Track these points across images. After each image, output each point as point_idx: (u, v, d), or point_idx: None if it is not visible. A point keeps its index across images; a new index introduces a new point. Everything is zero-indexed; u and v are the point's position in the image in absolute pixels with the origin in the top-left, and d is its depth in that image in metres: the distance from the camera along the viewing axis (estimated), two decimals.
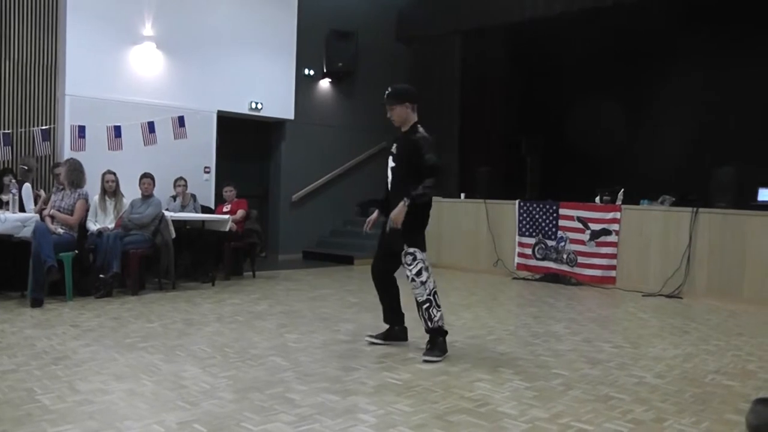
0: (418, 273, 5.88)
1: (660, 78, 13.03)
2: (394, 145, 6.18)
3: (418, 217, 6.00)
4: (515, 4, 12.87)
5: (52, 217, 8.61)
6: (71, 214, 8.65)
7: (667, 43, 12.68)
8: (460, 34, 14.27)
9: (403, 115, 6.09)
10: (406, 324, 6.47)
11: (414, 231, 5.96)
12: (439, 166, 5.92)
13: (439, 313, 5.94)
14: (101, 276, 8.63)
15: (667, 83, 12.90)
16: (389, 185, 6.22)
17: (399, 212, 5.78)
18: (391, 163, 6.17)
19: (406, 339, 6.42)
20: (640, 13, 12.21)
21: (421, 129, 6.04)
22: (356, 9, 14.48)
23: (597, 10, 12.00)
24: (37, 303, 7.82)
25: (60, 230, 8.52)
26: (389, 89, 6.16)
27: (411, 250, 5.90)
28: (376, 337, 6.41)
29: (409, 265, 5.90)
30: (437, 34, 14.45)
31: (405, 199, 5.77)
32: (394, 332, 6.41)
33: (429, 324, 5.93)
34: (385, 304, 6.40)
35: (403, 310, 6.41)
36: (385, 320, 6.45)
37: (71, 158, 9.33)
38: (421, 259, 5.90)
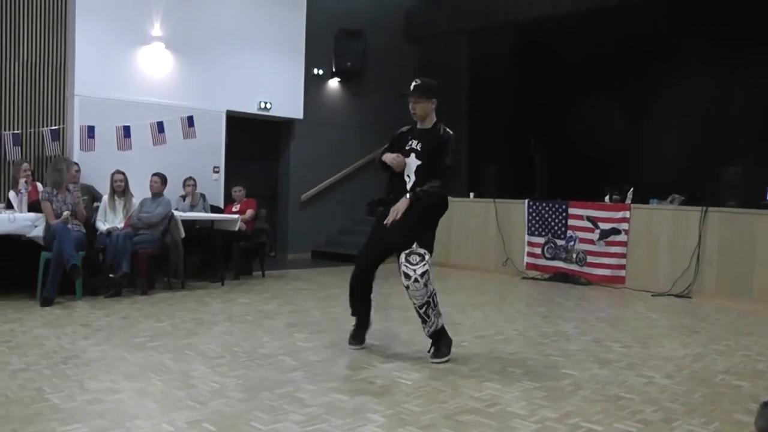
0: (423, 274, 5.71)
1: (668, 77, 13.00)
2: (415, 142, 5.95)
3: (433, 218, 5.97)
4: (523, 3, 12.90)
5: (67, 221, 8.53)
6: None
7: (675, 42, 12.66)
8: (467, 33, 14.31)
9: (427, 111, 5.94)
10: (415, 324, 6.43)
11: (427, 232, 5.89)
12: (454, 170, 5.86)
13: (434, 312, 5.82)
14: (111, 275, 8.65)
15: (675, 82, 12.87)
16: (408, 184, 5.93)
17: (402, 205, 5.66)
18: (414, 161, 5.92)
19: (367, 325, 6.37)
20: (648, 13, 12.23)
21: (445, 128, 5.97)
22: (364, 8, 14.45)
23: (604, 9, 12.00)
24: (47, 302, 7.84)
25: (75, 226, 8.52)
26: (417, 81, 5.98)
27: (421, 251, 5.75)
28: (354, 345, 6.28)
29: (414, 265, 5.71)
30: (445, 33, 14.48)
31: (409, 193, 5.69)
32: (363, 326, 6.34)
33: (426, 327, 5.84)
34: (362, 309, 6.29)
35: (413, 311, 6.37)
36: (355, 314, 6.35)
37: (54, 158, 9.35)
38: (428, 261, 5.79)
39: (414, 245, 5.76)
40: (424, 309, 5.81)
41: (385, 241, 6.01)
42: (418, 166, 5.89)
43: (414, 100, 5.92)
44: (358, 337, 6.32)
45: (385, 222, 5.78)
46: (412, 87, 5.96)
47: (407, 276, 5.75)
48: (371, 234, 6.21)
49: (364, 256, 6.21)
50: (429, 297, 5.80)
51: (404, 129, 6.15)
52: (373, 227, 6.25)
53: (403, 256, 5.77)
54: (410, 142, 5.99)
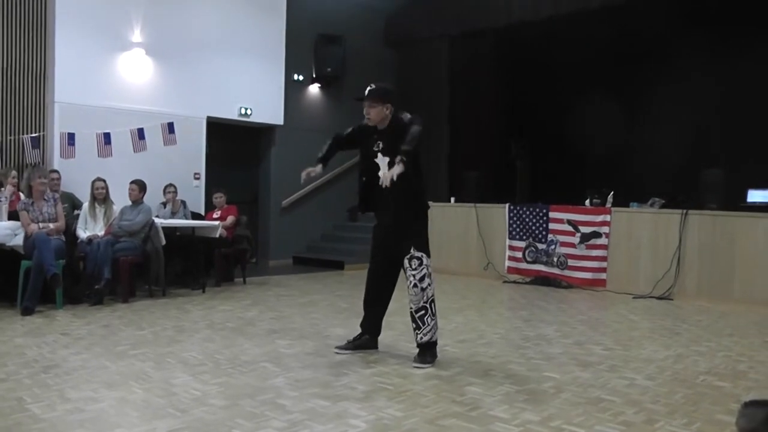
0: (422, 279, 5.80)
1: (648, 81, 13.06)
2: (380, 143, 5.95)
3: (424, 222, 6.01)
4: (502, 8, 12.94)
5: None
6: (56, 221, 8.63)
7: (656, 46, 12.72)
8: (448, 38, 14.33)
9: (382, 116, 5.92)
10: (397, 329, 6.44)
11: (422, 235, 5.93)
12: (421, 129, 5.69)
13: (432, 322, 5.83)
14: (96, 287, 8.58)
15: (655, 86, 12.93)
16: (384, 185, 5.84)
17: (396, 170, 5.43)
18: (383, 159, 5.90)
19: (375, 347, 6.32)
20: (627, 17, 12.26)
21: (406, 113, 5.90)
22: (344, 14, 14.44)
23: (584, 13, 12.05)
24: (28, 311, 7.79)
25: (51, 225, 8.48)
26: (372, 86, 5.99)
27: (418, 254, 5.82)
28: (343, 348, 6.27)
29: (414, 269, 5.80)
30: (425, 39, 14.49)
31: (399, 156, 5.47)
32: (364, 341, 6.30)
33: (419, 333, 5.83)
34: (372, 309, 6.27)
35: (395, 316, 6.38)
36: (363, 326, 6.34)
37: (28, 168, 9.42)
38: (426, 265, 5.84)
39: (412, 249, 5.81)
40: (420, 314, 5.83)
41: (383, 248, 6.07)
42: (389, 163, 5.86)
43: (368, 104, 5.94)
44: (351, 344, 6.32)
45: (381, 184, 5.69)
46: (366, 92, 5.97)
47: (408, 281, 5.86)
48: (372, 245, 6.24)
49: (371, 270, 6.25)
50: (426, 302, 5.83)
51: (369, 123, 6.07)
52: (372, 239, 6.26)
53: (405, 261, 5.85)
54: (376, 144, 6.01)
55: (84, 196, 9.80)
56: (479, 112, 14.82)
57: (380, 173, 5.90)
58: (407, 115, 5.86)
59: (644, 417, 4.54)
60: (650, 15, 12.11)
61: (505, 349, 6.58)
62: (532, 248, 11.50)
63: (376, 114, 5.93)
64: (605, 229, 10.61)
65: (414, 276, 5.81)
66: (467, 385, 5.25)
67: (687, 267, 9.81)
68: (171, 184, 10.84)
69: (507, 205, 11.93)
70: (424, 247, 5.91)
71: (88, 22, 10.80)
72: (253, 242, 11.98)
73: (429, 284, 5.84)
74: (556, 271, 11.17)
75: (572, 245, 10.97)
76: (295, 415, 4.45)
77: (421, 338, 5.85)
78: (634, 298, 9.94)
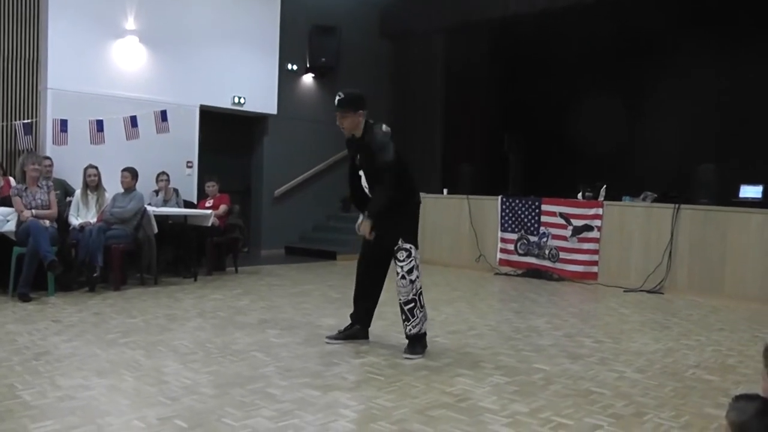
0: (410, 271, 5.79)
1: (644, 76, 13.07)
2: (358, 156, 5.95)
3: (413, 214, 6.01)
4: (498, 1, 12.89)
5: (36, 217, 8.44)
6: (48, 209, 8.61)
7: (653, 41, 12.71)
8: (443, 30, 14.29)
9: (355, 124, 5.84)
10: (388, 319, 6.44)
11: (410, 227, 5.92)
12: (390, 165, 5.69)
13: (421, 314, 5.84)
14: (95, 275, 8.59)
15: (651, 81, 12.93)
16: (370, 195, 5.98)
17: (366, 227, 5.74)
18: (362, 174, 5.99)
19: (366, 338, 6.32)
20: (622, 11, 12.25)
21: (373, 127, 5.82)
22: (339, 4, 14.39)
23: (578, 7, 12.04)
24: (25, 297, 7.82)
25: (46, 222, 8.46)
26: (341, 95, 5.84)
27: (407, 246, 5.81)
28: (334, 338, 6.28)
29: (402, 261, 5.79)
30: (420, 31, 14.45)
31: (366, 212, 5.74)
32: (355, 331, 6.30)
33: (408, 325, 5.84)
34: (361, 304, 6.28)
35: (385, 307, 6.38)
36: (353, 317, 6.35)
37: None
38: (415, 257, 5.83)
39: (399, 241, 5.81)
40: (409, 306, 5.84)
41: (372, 243, 6.03)
42: (366, 177, 5.97)
43: (340, 115, 5.84)
44: (342, 334, 6.33)
45: (362, 235, 5.84)
46: (336, 101, 5.85)
47: (397, 273, 5.85)
48: (362, 240, 6.21)
49: (360, 264, 6.26)
50: (415, 294, 5.83)
51: (345, 134, 6.06)
52: None
53: (394, 253, 5.84)
54: (357, 156, 6.00)
55: (76, 183, 9.79)
56: (474, 105, 14.82)
57: (364, 187, 6.05)
58: (378, 134, 5.78)
59: (633, 410, 4.56)
60: (646, 10, 12.11)
61: (495, 340, 6.59)
62: (524, 241, 11.52)
63: (349, 123, 5.85)
64: (597, 223, 10.63)
65: (402, 268, 5.81)
66: (457, 376, 5.26)
67: (678, 261, 9.84)
68: (164, 172, 10.84)
69: (499, 197, 11.93)
70: (413, 239, 5.90)
71: (82, 8, 10.77)
72: (245, 231, 11.99)
73: (417, 276, 5.84)
74: (547, 263, 11.19)
75: (564, 238, 10.99)
76: (285, 404, 4.46)
77: (410, 330, 5.86)
78: (625, 291, 9.97)
